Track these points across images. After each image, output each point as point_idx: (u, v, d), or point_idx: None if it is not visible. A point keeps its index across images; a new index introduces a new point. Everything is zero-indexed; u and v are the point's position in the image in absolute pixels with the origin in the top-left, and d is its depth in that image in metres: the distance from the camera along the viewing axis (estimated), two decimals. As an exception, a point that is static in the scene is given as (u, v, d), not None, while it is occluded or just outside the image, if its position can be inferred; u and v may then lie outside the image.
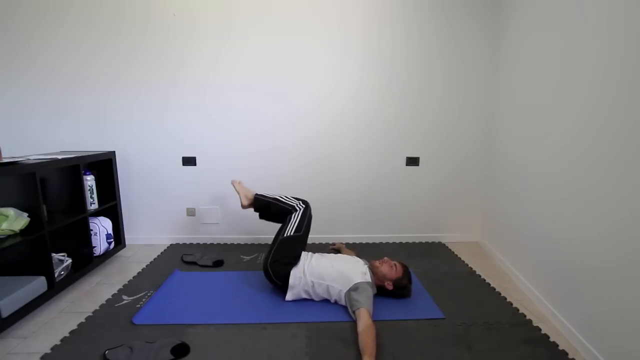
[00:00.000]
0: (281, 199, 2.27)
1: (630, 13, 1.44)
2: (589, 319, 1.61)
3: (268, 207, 2.28)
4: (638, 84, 1.38)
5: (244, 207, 2.36)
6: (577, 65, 1.76)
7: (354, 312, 1.79)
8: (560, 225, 1.87)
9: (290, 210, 2.20)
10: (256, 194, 2.34)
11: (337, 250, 2.72)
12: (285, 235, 2.08)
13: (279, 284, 2.01)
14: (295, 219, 2.14)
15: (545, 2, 2.08)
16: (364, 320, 1.67)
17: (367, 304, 1.78)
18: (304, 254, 2.10)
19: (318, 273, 1.97)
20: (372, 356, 1.49)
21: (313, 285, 1.96)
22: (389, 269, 2.03)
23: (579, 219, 1.72)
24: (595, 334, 1.57)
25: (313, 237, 2.98)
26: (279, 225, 2.23)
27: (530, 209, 2.19)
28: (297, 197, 2.36)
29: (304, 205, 2.22)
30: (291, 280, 1.97)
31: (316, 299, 1.99)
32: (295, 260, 2.03)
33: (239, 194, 2.37)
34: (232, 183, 2.45)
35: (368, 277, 1.98)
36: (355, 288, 1.88)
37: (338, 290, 1.93)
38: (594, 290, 1.59)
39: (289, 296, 1.99)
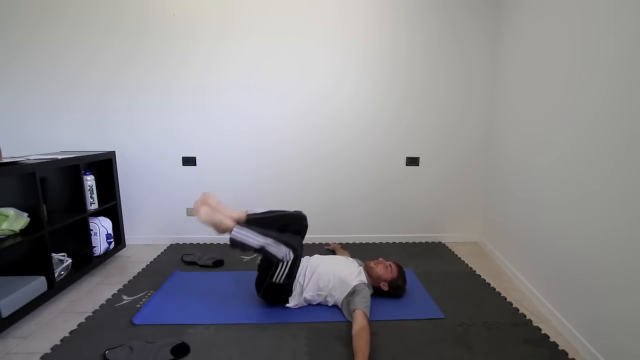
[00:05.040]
0: (268, 248, 1.78)
1: (637, 12, 1.43)
2: (590, 321, 1.61)
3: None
4: None
5: (223, 231, 1.84)
6: (580, 67, 1.75)
7: (350, 314, 1.78)
8: (561, 228, 1.87)
9: (279, 261, 1.80)
10: (243, 220, 1.90)
11: (332, 251, 2.72)
12: (274, 280, 1.84)
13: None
14: (284, 268, 1.83)
15: (547, 2, 2.08)
16: (358, 322, 1.66)
17: (363, 305, 1.77)
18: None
19: (316, 288, 1.93)
20: (364, 358, 1.48)
21: (312, 299, 1.94)
22: (385, 270, 2.02)
23: (580, 222, 1.71)
24: (596, 335, 1.57)
25: (312, 236, 2.98)
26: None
27: (531, 211, 2.19)
28: (294, 218, 2.00)
29: (293, 255, 1.81)
30: (288, 304, 1.93)
31: (314, 303, 1.98)
32: (289, 292, 1.91)
33: (212, 220, 1.83)
34: (196, 210, 1.85)
35: (364, 278, 1.97)
36: (352, 292, 1.87)
37: (336, 297, 1.92)
38: (595, 293, 1.59)
39: (290, 305, 1.95)
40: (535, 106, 2.16)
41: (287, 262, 1.81)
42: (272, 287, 1.87)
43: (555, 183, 1.93)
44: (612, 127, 1.51)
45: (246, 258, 2.65)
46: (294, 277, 1.90)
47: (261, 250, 1.79)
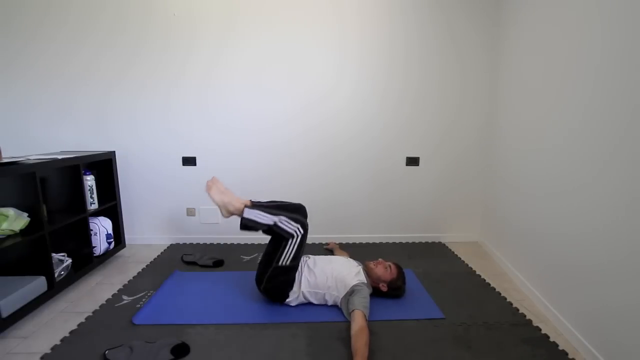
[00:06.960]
0: (280, 224, 1.86)
1: (631, 11, 1.44)
2: (588, 317, 1.61)
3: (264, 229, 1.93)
4: (635, 80, 1.38)
5: (227, 216, 1.97)
6: (575, 62, 1.76)
7: (349, 314, 1.78)
8: (560, 223, 1.87)
9: (289, 236, 1.87)
10: (250, 205, 1.92)
11: (330, 251, 2.72)
12: (280, 263, 1.88)
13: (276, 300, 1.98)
14: (292, 247, 1.88)
15: (543, 1, 2.09)
16: (357, 323, 1.65)
17: (362, 305, 1.76)
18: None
19: (314, 284, 1.94)
20: (363, 359, 1.48)
21: (310, 295, 1.95)
22: (384, 270, 2.02)
23: (578, 217, 1.72)
24: (593, 331, 1.57)
25: (312, 236, 2.97)
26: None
27: (530, 209, 2.19)
28: (295, 207, 2.06)
29: (302, 231, 1.90)
30: (289, 298, 1.95)
31: (315, 302, 1.97)
32: (291, 284, 1.93)
33: (217, 204, 1.95)
34: (208, 187, 1.99)
35: (363, 277, 1.97)
36: (351, 292, 1.87)
37: (335, 296, 1.92)
38: (593, 288, 1.59)
39: (290, 299, 1.97)
40: (531, 103, 2.16)
41: (297, 239, 1.88)
42: (278, 272, 1.89)
43: (554, 181, 1.93)
44: (605, 120, 1.52)
45: (246, 258, 2.65)
46: (300, 259, 1.94)
47: (273, 227, 1.86)
